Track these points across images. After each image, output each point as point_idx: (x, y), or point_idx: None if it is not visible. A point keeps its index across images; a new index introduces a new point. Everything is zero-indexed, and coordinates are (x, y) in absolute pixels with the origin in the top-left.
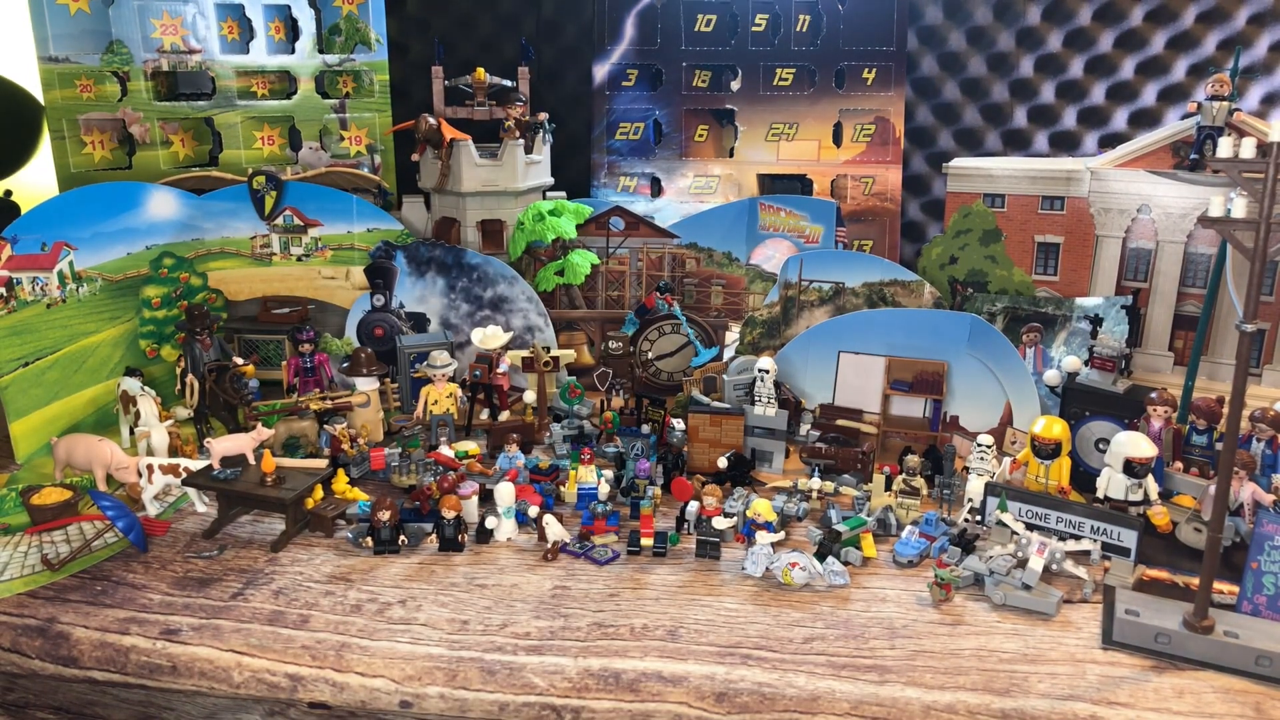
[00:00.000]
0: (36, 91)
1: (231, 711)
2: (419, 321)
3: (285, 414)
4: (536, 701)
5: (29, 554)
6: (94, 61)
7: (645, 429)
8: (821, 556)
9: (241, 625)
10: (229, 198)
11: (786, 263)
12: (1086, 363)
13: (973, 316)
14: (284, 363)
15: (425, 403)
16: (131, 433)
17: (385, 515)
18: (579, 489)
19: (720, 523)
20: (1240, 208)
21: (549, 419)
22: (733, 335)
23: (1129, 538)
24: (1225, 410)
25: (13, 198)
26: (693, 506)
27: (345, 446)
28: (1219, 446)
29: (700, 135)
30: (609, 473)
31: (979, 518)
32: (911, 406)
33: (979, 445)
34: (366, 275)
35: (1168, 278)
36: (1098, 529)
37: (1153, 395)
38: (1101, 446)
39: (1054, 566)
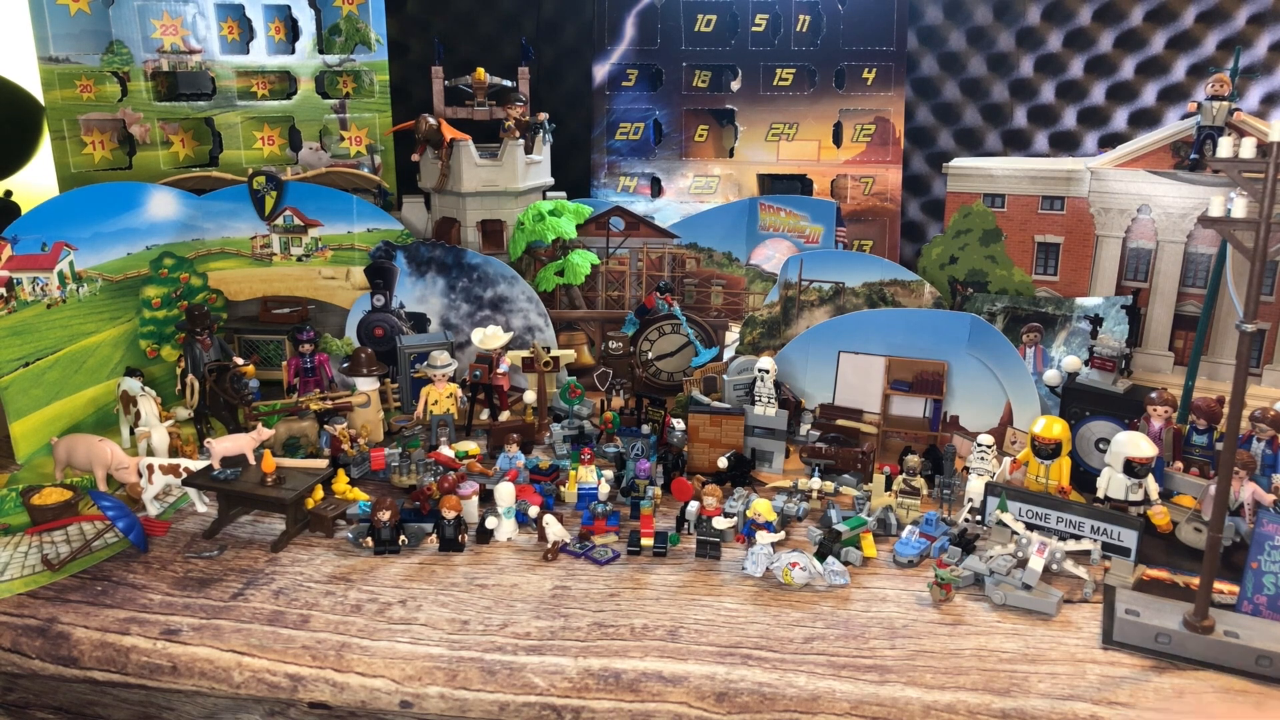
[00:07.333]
0: (37, 92)
1: (232, 711)
2: (419, 321)
3: (285, 414)
4: (537, 701)
5: (29, 554)
6: (94, 62)
7: (645, 429)
8: (821, 556)
9: (242, 625)
10: (229, 198)
11: (786, 263)
12: (1086, 363)
13: (973, 316)
14: (284, 363)
15: (425, 403)
16: (132, 433)
17: (385, 515)
18: (579, 489)
19: (720, 523)
20: (1240, 208)
21: (549, 419)
22: (733, 335)
23: (1129, 538)
24: (1225, 410)
25: (13, 198)
26: (693, 506)
27: (345, 446)
28: (1219, 446)
29: (700, 135)
30: (609, 473)
31: (979, 518)
32: (911, 406)
33: (979, 445)
34: (366, 275)
35: (1168, 278)
36: (1098, 529)
37: (1153, 395)
38: (1101, 446)
39: (1054, 566)
